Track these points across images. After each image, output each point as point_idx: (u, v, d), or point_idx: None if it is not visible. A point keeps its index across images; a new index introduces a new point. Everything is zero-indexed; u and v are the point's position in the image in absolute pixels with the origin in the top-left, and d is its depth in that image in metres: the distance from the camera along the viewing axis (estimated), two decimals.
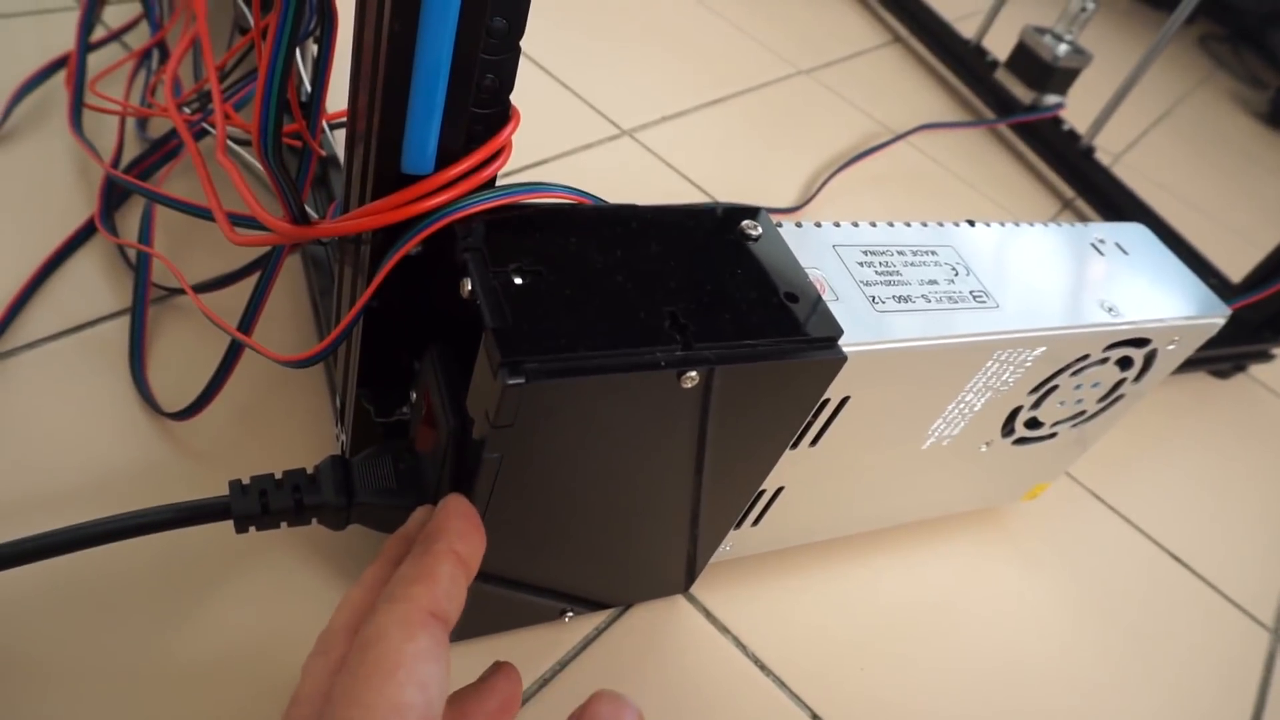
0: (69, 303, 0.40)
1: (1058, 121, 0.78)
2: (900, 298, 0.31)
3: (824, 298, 0.29)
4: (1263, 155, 1.06)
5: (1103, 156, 0.78)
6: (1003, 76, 0.80)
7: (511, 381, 0.23)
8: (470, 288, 0.24)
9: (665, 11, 0.81)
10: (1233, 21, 1.31)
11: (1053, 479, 0.46)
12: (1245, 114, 1.14)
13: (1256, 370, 0.65)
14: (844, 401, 0.31)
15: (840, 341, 0.28)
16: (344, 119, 0.47)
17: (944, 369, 0.32)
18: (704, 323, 0.26)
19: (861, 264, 0.32)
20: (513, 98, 0.27)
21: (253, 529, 0.29)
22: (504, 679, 0.28)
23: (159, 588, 0.32)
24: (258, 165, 0.43)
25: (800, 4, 0.91)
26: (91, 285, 0.41)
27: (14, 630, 0.30)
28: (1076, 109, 0.80)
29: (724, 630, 0.38)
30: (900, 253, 0.33)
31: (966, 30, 0.87)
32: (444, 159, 0.26)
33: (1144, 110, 1.00)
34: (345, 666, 0.22)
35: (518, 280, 0.25)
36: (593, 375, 0.24)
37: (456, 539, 0.25)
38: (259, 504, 0.28)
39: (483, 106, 0.26)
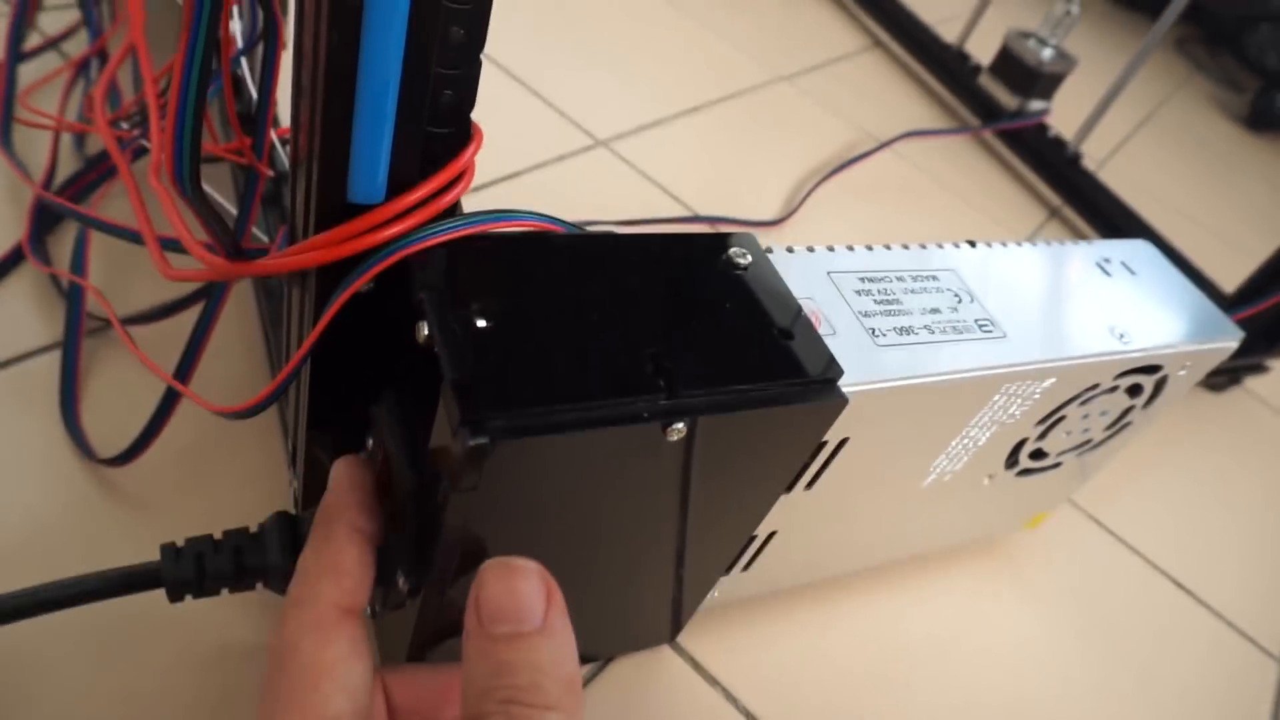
0: None
1: (1043, 128, 0.76)
2: (902, 329, 0.28)
3: (820, 332, 0.26)
4: (1244, 159, 1.05)
5: (1088, 163, 0.77)
6: (987, 82, 0.78)
7: (473, 442, 0.20)
8: (427, 332, 0.22)
9: (641, 17, 0.78)
10: (1209, 24, 1.31)
11: (1054, 507, 0.44)
12: (1225, 117, 1.13)
13: (1251, 383, 0.64)
14: (842, 443, 0.28)
15: (840, 381, 0.25)
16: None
17: (950, 405, 0.30)
18: (690, 366, 0.23)
19: (859, 292, 0.29)
20: (477, 113, 0.24)
21: (190, 597, 0.26)
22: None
23: (82, 665, 0.29)
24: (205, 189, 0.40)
25: (778, 9, 0.89)
26: (18, 317, 0.37)
27: None
28: (1057, 115, 0.78)
29: (713, 681, 0.35)
30: (900, 279, 0.30)
31: (948, 34, 0.85)
32: (397, 186, 0.23)
33: (1125, 115, 0.98)
34: (266, 686, 0.20)
35: (481, 322, 0.22)
36: (568, 432, 0.21)
37: (356, 514, 0.23)
38: (195, 569, 0.25)
39: (440, 125, 0.23)
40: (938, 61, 0.84)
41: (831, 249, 0.31)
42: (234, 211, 0.38)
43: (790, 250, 0.30)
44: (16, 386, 0.35)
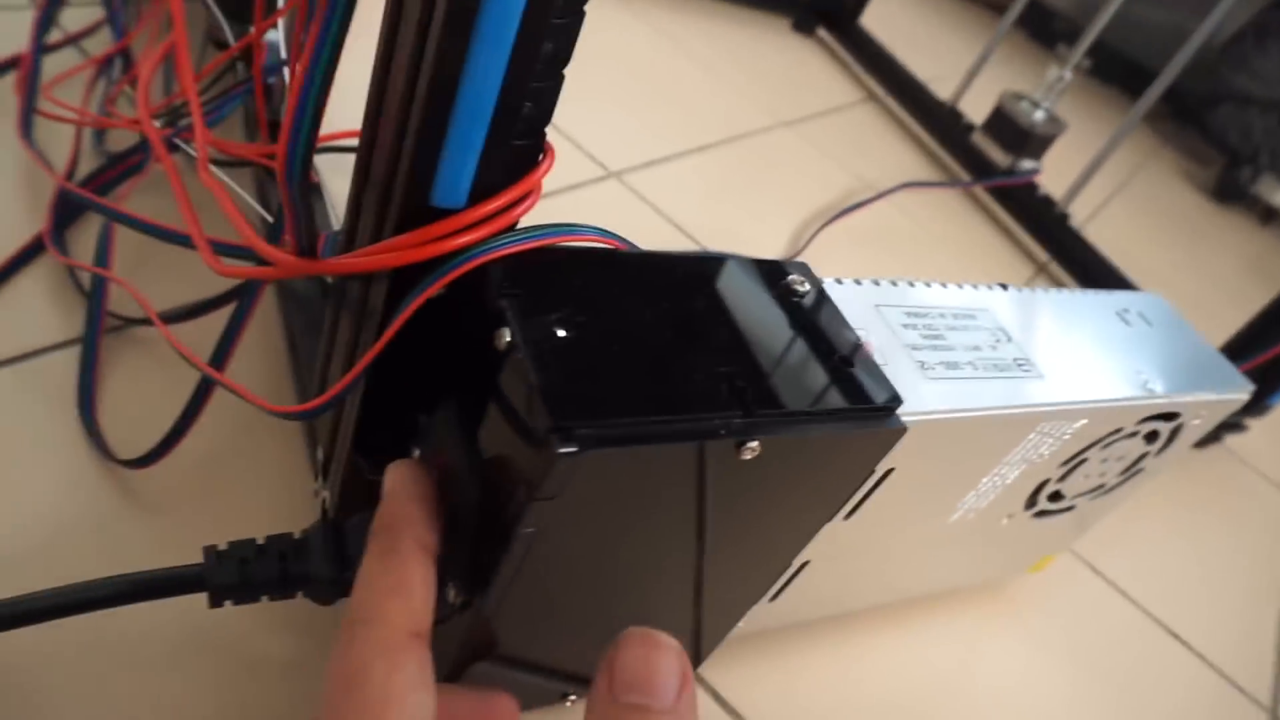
0: (10, 330, 0.35)
1: (1033, 186, 0.79)
2: (948, 364, 0.29)
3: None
4: (1211, 229, 1.10)
5: (1073, 223, 0.79)
6: (980, 139, 0.81)
7: (564, 450, 0.20)
8: (510, 339, 0.22)
9: (648, 59, 0.79)
10: (1175, 101, 1.37)
11: (1060, 551, 0.44)
12: (1193, 189, 1.18)
13: (1231, 441, 0.66)
14: (887, 474, 0.28)
15: (897, 411, 0.26)
16: (332, 141, 0.44)
17: (989, 440, 0.30)
18: (762, 388, 0.23)
19: (906, 326, 0.30)
20: None
21: (229, 603, 0.25)
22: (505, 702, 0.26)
23: (103, 673, 0.28)
24: (235, 188, 0.40)
25: (781, 61, 0.91)
26: (37, 311, 0.36)
27: None
28: (1044, 176, 0.81)
29: (733, 714, 0.35)
30: (942, 315, 0.31)
31: (941, 92, 0.88)
32: (478, 193, 0.23)
33: (1100, 181, 1.02)
34: (327, 709, 0.19)
35: (561, 333, 0.22)
36: (651, 444, 0.21)
37: (421, 527, 0.22)
38: (238, 574, 0.25)
39: (520, 137, 0.24)
40: (931, 117, 0.86)
41: (877, 282, 0.31)
42: (261, 213, 0.37)
43: (839, 282, 0.30)
44: (33, 382, 0.34)
